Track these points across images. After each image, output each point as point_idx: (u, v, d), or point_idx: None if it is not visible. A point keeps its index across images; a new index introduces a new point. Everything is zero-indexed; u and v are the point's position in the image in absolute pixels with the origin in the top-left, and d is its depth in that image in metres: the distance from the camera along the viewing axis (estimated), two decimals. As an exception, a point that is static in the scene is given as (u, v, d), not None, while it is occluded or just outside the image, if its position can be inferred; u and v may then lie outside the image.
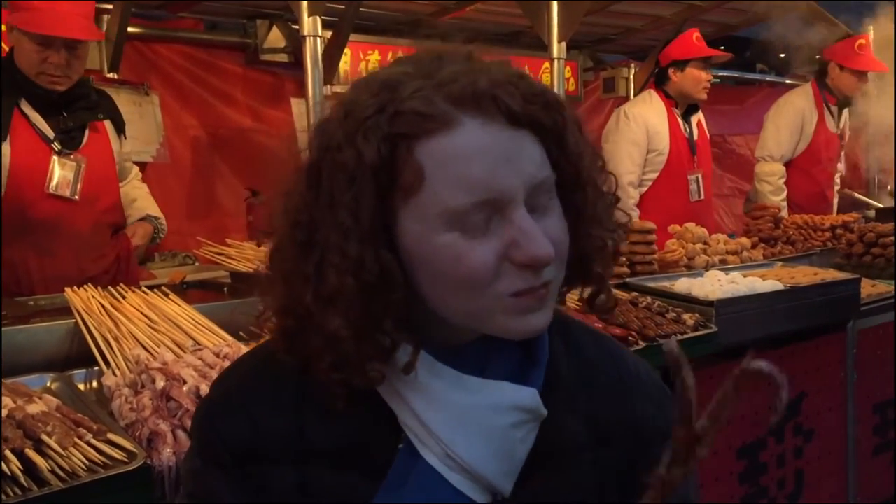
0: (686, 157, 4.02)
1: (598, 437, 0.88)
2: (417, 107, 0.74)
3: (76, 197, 2.59)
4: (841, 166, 4.77)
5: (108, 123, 2.76)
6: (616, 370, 0.94)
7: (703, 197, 4.08)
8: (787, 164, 4.52)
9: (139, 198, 2.96)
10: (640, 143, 3.92)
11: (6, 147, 2.49)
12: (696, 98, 3.99)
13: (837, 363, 2.88)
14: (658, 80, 4.09)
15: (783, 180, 4.46)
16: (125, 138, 2.87)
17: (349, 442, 0.83)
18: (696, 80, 3.94)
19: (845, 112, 4.63)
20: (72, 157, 2.60)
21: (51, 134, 2.58)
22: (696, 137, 4.08)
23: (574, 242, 0.82)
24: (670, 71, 3.98)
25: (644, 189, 3.99)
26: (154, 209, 2.98)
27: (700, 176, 4.06)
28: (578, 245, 0.83)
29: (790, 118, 4.49)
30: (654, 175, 3.97)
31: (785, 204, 4.42)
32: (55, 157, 2.56)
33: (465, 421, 0.80)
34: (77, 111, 2.63)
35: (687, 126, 4.05)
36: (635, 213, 3.84)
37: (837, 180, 4.80)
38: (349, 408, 0.82)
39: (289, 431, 0.84)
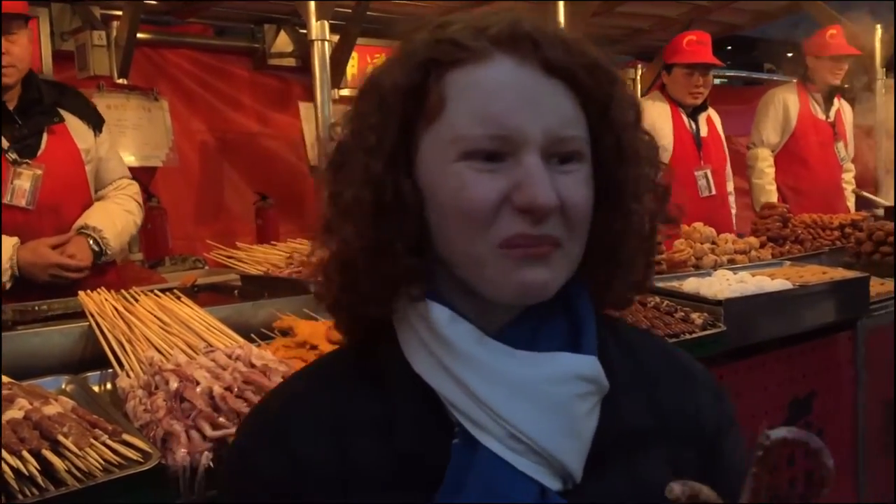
0: (691, 154, 4.04)
1: (665, 427, 0.83)
2: (457, 37, 0.75)
3: (32, 207, 2.50)
4: (849, 152, 4.85)
5: (74, 122, 2.63)
6: (670, 362, 0.91)
7: (713, 192, 4.10)
8: (781, 152, 4.66)
9: (94, 209, 2.68)
10: None
11: None
12: (684, 102, 4.01)
13: (847, 362, 2.87)
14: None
15: (766, 164, 4.59)
16: (99, 133, 2.70)
17: (397, 454, 0.75)
18: (681, 84, 3.98)
19: (837, 102, 4.74)
20: (28, 165, 2.50)
21: (6, 144, 2.48)
22: (703, 134, 4.10)
23: (610, 223, 0.79)
24: (662, 73, 4.08)
25: None
26: (96, 220, 2.62)
27: (709, 171, 4.08)
28: (615, 225, 0.80)
29: (769, 107, 4.67)
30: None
31: (772, 188, 4.55)
32: (11, 168, 2.47)
33: (525, 394, 0.73)
34: (32, 117, 2.52)
35: (693, 123, 4.07)
36: None
37: (850, 177, 4.88)
38: (391, 416, 0.77)
39: (330, 457, 0.77)
